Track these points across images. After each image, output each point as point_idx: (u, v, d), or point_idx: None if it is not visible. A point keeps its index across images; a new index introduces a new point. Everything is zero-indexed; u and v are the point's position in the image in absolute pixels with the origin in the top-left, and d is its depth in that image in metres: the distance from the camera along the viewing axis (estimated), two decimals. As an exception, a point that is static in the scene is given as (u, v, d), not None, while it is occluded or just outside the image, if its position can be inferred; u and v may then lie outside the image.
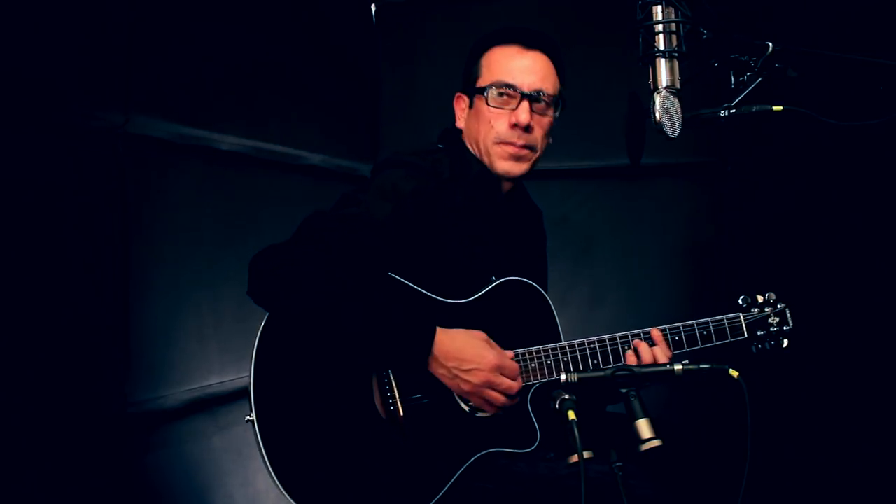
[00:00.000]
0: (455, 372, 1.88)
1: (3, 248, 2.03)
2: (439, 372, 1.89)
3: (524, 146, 2.12)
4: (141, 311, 2.44)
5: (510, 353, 1.98)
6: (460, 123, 2.24)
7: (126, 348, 2.39)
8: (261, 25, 3.06)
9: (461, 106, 2.24)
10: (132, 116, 2.39)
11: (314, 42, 3.42)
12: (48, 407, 2.13)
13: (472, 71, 2.19)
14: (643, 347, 2.06)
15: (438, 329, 1.88)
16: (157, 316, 2.52)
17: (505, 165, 2.14)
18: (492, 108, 2.12)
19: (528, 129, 2.10)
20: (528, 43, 2.14)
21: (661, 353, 2.05)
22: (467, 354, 1.89)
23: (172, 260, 2.59)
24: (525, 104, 2.09)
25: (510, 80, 2.10)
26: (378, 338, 1.83)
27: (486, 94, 2.12)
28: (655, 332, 2.10)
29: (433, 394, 1.95)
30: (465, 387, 1.90)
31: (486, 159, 2.16)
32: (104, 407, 2.32)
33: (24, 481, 2.06)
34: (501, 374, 1.92)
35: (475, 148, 2.19)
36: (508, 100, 2.11)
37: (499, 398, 1.93)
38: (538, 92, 2.10)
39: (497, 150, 2.13)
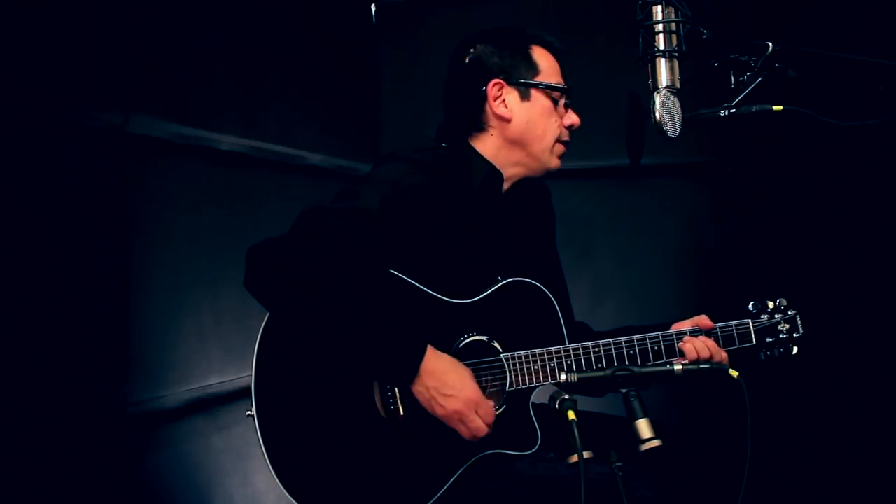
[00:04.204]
0: (433, 393, 1.85)
1: (4, 249, 2.03)
2: (417, 389, 1.86)
3: None
4: (141, 311, 2.44)
5: (491, 403, 1.93)
6: (501, 111, 2.13)
7: (126, 348, 2.39)
8: (261, 25, 3.06)
9: (497, 94, 2.13)
10: (132, 116, 2.39)
11: (314, 42, 3.42)
12: (48, 407, 2.13)
13: (520, 63, 2.14)
14: (691, 344, 2.09)
15: (429, 348, 1.86)
16: (157, 316, 2.52)
17: (558, 162, 2.21)
18: (565, 108, 2.18)
19: None
20: (558, 55, 2.21)
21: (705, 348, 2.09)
22: (450, 379, 1.86)
23: (172, 260, 2.59)
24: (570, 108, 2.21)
25: (566, 85, 2.18)
26: (367, 352, 1.82)
27: (552, 93, 2.15)
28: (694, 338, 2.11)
29: None
30: (439, 410, 1.86)
31: (543, 156, 2.16)
32: (104, 407, 2.32)
33: (24, 481, 2.06)
34: (476, 412, 1.87)
35: (524, 142, 2.15)
36: (566, 101, 2.19)
37: (465, 433, 1.89)
38: None
39: (557, 148, 2.19)
